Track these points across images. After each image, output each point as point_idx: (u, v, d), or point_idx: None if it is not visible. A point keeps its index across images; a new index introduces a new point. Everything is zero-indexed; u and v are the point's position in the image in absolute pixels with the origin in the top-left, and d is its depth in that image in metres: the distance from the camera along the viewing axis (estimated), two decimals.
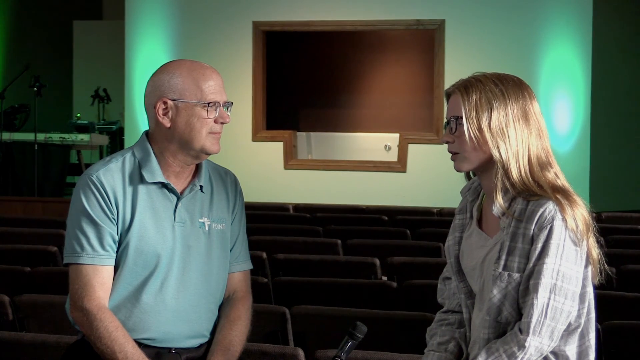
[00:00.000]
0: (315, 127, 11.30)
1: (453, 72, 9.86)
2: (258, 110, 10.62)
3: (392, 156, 10.56)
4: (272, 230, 6.56)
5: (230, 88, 11.32)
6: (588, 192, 9.57)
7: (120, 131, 12.25)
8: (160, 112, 2.74)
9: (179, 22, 10.83)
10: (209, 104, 2.72)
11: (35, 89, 10.38)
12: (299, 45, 11.41)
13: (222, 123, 2.76)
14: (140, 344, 2.73)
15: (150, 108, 2.77)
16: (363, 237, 6.10)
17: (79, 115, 12.60)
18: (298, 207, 8.92)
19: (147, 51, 10.68)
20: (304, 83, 11.51)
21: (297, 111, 11.52)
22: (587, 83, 9.79)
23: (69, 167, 11.02)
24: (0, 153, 10.61)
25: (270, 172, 10.52)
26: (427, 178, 10.03)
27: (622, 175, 10.35)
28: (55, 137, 10.60)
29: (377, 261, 4.90)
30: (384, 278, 4.93)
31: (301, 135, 10.97)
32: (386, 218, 7.50)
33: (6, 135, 10.58)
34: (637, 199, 10.23)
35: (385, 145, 10.79)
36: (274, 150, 10.59)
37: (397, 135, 10.48)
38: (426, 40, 10.49)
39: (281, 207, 8.92)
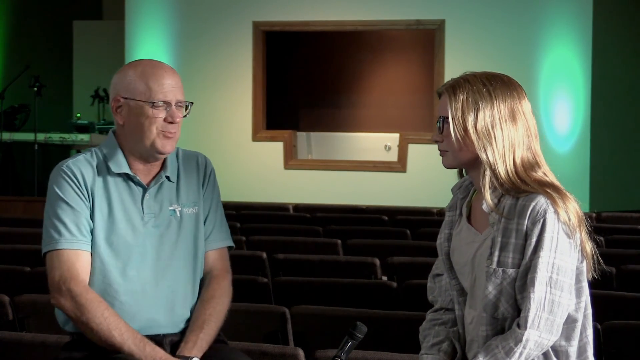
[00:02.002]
0: (315, 127, 11.29)
1: (453, 72, 9.83)
2: (258, 110, 10.62)
3: (392, 156, 10.55)
4: (272, 230, 6.56)
5: (230, 88, 11.46)
6: (588, 192, 9.57)
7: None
8: (115, 109, 2.82)
9: (179, 22, 10.83)
10: (153, 103, 2.75)
11: (35, 89, 10.38)
12: (299, 45, 11.41)
13: (171, 122, 2.78)
14: None
15: (110, 106, 2.84)
16: (363, 237, 6.10)
17: (79, 115, 12.59)
18: (298, 207, 8.92)
19: (147, 51, 10.68)
20: (304, 83, 11.51)
21: (297, 111, 11.52)
22: (587, 83, 9.79)
23: None
24: (0, 153, 10.61)
25: (270, 172, 10.52)
26: (427, 178, 10.03)
27: (622, 175, 10.35)
28: (55, 137, 10.59)
29: (377, 261, 4.90)
30: (384, 278, 4.93)
31: (301, 135, 10.97)
32: (386, 218, 7.50)
33: (6, 135, 10.58)
34: (637, 199, 10.23)
35: (385, 145, 10.79)
36: (274, 150, 10.59)
37: (397, 135, 10.48)
38: (426, 40, 10.49)
39: (281, 207, 8.92)
